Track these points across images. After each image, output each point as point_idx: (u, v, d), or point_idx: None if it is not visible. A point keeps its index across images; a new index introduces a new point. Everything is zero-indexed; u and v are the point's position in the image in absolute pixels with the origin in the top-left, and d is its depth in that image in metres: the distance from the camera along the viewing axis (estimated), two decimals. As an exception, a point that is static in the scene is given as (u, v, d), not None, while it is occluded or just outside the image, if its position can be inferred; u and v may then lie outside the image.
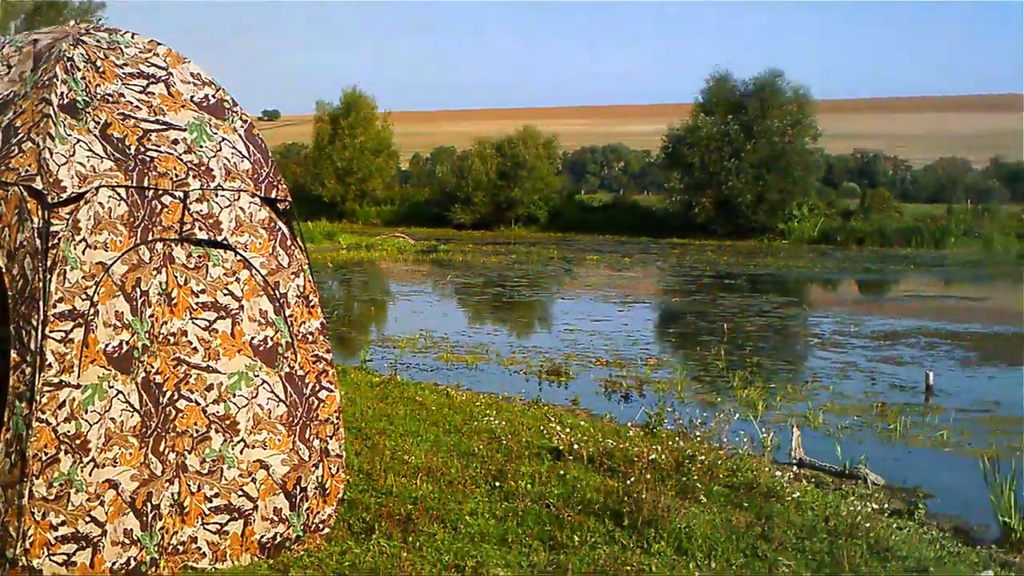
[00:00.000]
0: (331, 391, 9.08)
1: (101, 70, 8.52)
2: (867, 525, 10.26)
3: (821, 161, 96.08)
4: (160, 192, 8.28)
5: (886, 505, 13.02)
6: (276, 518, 8.77)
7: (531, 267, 51.35)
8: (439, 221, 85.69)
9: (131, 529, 8.13)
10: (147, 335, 8.16)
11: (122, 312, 8.03)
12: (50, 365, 7.70)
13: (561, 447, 12.53)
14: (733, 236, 72.80)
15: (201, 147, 8.56)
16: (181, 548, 8.39)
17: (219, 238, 8.46)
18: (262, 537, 8.72)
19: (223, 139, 8.73)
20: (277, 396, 8.72)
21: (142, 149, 8.35)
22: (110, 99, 8.44)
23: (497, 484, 10.83)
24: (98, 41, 8.72)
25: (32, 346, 7.73)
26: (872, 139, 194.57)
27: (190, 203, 8.34)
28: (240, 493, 8.57)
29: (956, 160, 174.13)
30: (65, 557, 7.89)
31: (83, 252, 7.87)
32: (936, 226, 73.41)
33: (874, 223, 73.51)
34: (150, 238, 8.19)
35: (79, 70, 8.40)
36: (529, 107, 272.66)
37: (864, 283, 48.56)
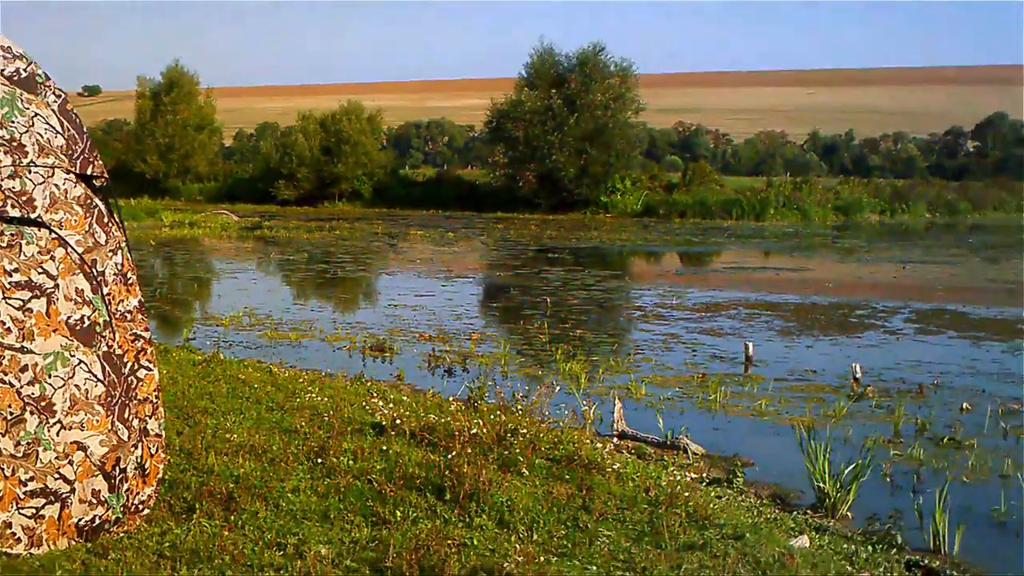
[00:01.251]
0: (150, 370, 8.95)
1: (-95, 45, 8.29)
2: (686, 494, 10.43)
3: (644, 135, 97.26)
4: (-31, 169, 8.08)
5: (705, 474, 13.28)
6: (94, 500, 8.62)
7: (356, 243, 51.23)
8: (263, 197, 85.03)
9: (-57, 514, 7.95)
10: (-42, 316, 7.97)
11: (-69, 293, 7.84)
12: None
13: (384, 422, 12.53)
14: (557, 210, 73.30)
15: (12, 122, 8.36)
16: (-6, 533, 8.22)
17: (33, 216, 8.28)
18: (80, 520, 8.57)
19: (36, 114, 8.52)
20: (95, 376, 8.57)
21: (-51, 125, 8.14)
22: (-85, 74, 8.21)
23: (319, 461, 10.79)
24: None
25: None
26: (694, 113, 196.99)
27: (2, 180, 8.14)
28: (57, 476, 8.40)
29: (775, 134, 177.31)
30: None
31: None
32: (756, 199, 74.81)
33: (696, 196, 74.61)
34: (-40, 217, 8.00)
35: None
36: (354, 82, 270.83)
37: (686, 255, 49.28)
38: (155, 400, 9.00)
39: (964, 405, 17.82)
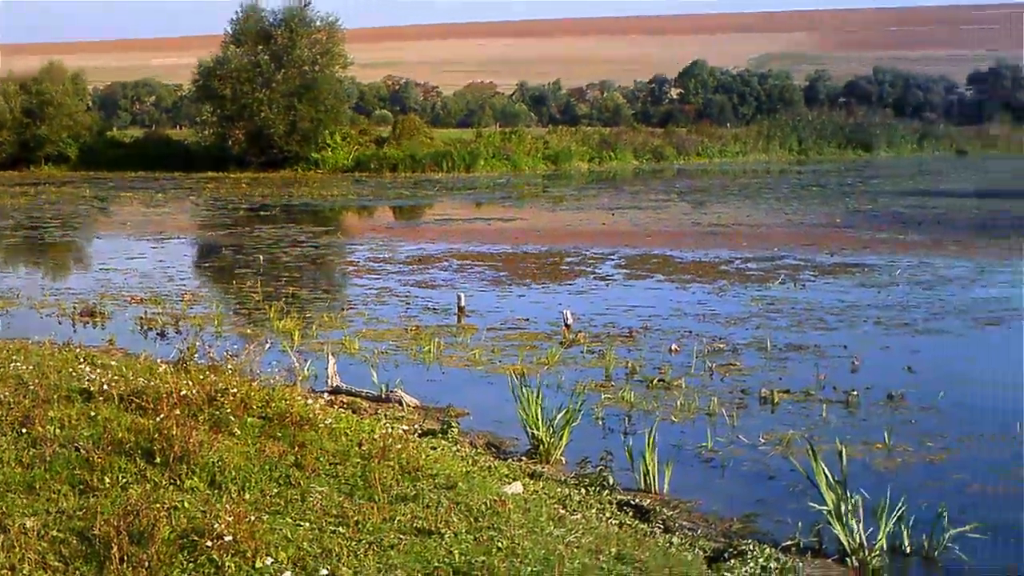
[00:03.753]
0: None
1: None
2: (399, 447, 10.44)
3: (353, 89, 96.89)
4: None
5: (420, 426, 13.35)
6: None
7: (63, 207, 49.82)
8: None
9: None
10: None
11: None
12: None
13: (92, 388, 12.20)
14: (268, 167, 72.54)
15: None
16: None
17: None
18: None
19: None
20: None
21: None
22: None
23: (24, 431, 10.43)
24: None
25: None
26: (404, 67, 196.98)
27: None
28: None
29: (484, 85, 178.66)
30: None
31: None
32: (466, 150, 75.22)
33: (406, 149, 74.62)
34: None
35: None
36: (55, 42, 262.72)
37: (398, 209, 49.33)
38: None
39: (672, 347, 18.30)
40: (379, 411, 14.05)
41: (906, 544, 9.91)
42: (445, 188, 59.84)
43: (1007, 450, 12.75)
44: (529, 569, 7.76)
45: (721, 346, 18.45)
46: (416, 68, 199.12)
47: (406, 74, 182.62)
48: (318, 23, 76.93)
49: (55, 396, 11.90)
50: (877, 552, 9.71)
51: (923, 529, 9.93)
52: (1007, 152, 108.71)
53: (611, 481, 11.36)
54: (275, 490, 9.03)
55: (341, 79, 79.98)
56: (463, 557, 7.87)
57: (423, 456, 10.50)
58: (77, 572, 7.36)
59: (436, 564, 7.73)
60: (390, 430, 11.42)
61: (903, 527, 9.93)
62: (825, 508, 9.92)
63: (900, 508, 9.91)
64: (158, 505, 8.16)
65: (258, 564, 7.41)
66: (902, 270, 26.92)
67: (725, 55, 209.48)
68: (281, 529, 8.05)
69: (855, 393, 15.09)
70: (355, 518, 8.42)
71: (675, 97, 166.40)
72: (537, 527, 8.89)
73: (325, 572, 7.47)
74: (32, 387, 12.29)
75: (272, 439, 10.37)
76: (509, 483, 10.56)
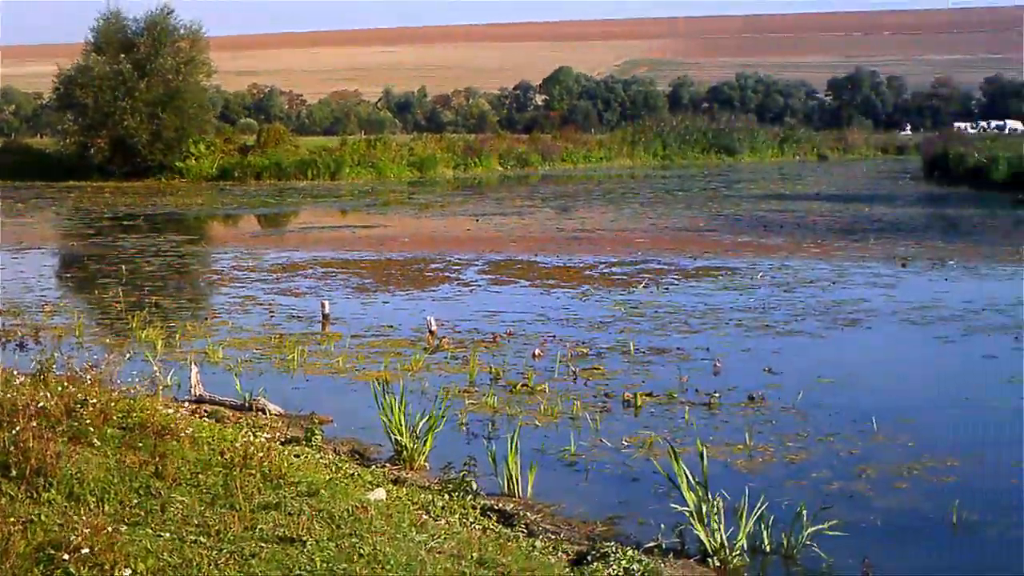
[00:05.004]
0: None
1: None
2: (261, 455, 10.39)
3: (217, 98, 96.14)
4: None
5: (283, 434, 13.30)
6: None
7: (-83, 218, 48.75)
8: None
9: None
10: None
11: None
12: None
13: (-57, 403, 11.99)
14: (131, 176, 71.58)
15: None
16: None
17: None
18: None
19: None
20: None
21: None
22: None
23: None
24: None
25: None
26: (268, 75, 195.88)
27: None
28: None
29: (349, 93, 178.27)
30: None
31: None
32: (331, 158, 74.93)
33: (271, 158, 74.13)
34: None
35: None
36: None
37: (263, 217, 49.03)
38: None
39: (536, 352, 18.39)
40: (242, 420, 13.96)
41: (766, 543, 10.07)
42: (310, 196, 59.60)
43: (863, 448, 13.00)
44: (391, 575, 7.78)
45: (584, 350, 18.59)
46: (281, 76, 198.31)
47: (270, 82, 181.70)
48: (181, 31, 76.13)
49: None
50: (738, 552, 9.86)
51: (783, 528, 10.09)
52: (865, 156, 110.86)
53: (474, 486, 11.40)
54: (135, 501, 8.94)
55: (205, 88, 79.37)
56: (325, 564, 7.87)
57: (286, 464, 10.47)
58: (-72, 590, 7.24)
59: (298, 572, 7.73)
60: (253, 438, 11.35)
61: (763, 527, 10.09)
62: (687, 509, 10.04)
63: (760, 508, 10.08)
64: (13, 519, 8.04)
65: (116, 576, 7.34)
66: (763, 273, 27.33)
67: (590, 62, 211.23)
68: (140, 540, 7.97)
69: (717, 395, 15.29)
70: (216, 527, 8.38)
71: (540, 103, 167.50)
72: (399, 533, 8.91)
73: (185, 583, 7.43)
74: None
75: (133, 449, 10.26)
76: (372, 490, 10.56)
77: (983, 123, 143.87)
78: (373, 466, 12.27)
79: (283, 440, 12.78)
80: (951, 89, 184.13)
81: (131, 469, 9.66)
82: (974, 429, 13.96)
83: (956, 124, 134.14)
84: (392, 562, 8.04)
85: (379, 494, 10.32)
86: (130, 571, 7.40)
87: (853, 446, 13.13)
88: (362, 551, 8.21)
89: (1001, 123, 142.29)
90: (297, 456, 11.65)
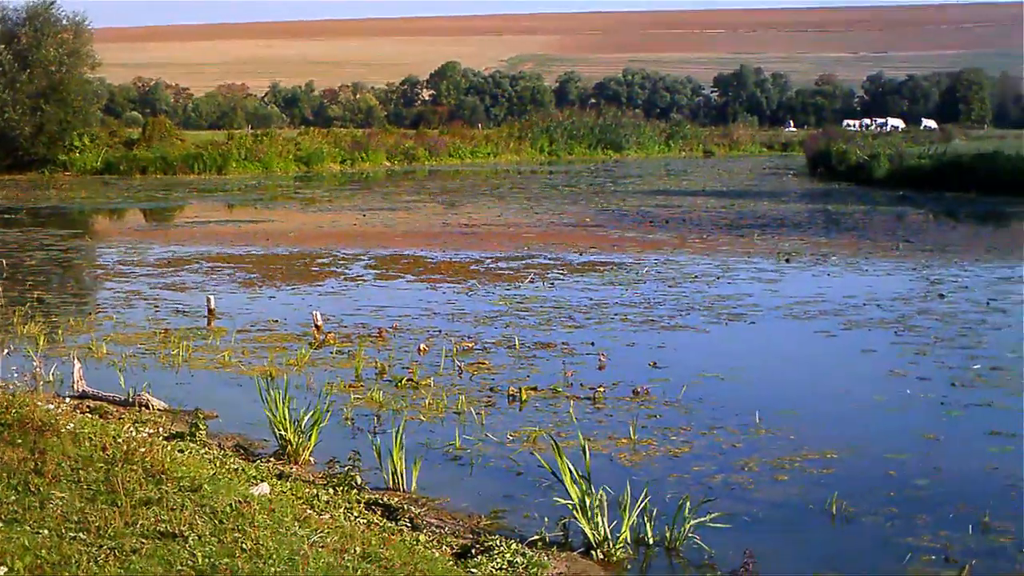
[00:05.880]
0: None
1: None
2: (142, 450, 10.32)
3: (102, 91, 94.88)
4: None
5: (167, 429, 13.21)
6: None
7: None
8: None
9: None
10: None
11: None
12: None
13: None
14: (13, 169, 70.43)
15: None
16: None
17: None
18: None
19: None
20: None
21: None
22: None
23: None
24: None
25: None
26: (154, 68, 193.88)
27: None
28: None
29: (236, 87, 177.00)
30: None
31: None
32: (217, 152, 74.33)
33: (157, 151, 73.34)
34: None
35: None
36: None
37: (148, 212, 48.47)
38: None
39: (421, 346, 18.40)
40: (126, 415, 13.85)
41: (649, 536, 10.18)
42: (196, 190, 59.03)
43: (746, 442, 13.17)
44: (273, 569, 7.77)
45: (470, 345, 18.63)
46: (167, 69, 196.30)
47: (156, 75, 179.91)
48: (64, 22, 74.90)
49: None
50: (621, 544, 9.96)
51: (666, 521, 10.20)
52: (750, 153, 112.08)
53: (359, 481, 11.43)
54: (13, 497, 8.84)
55: (90, 80, 78.14)
56: (207, 559, 7.84)
57: (169, 459, 10.39)
58: None
59: (179, 567, 7.69)
60: (135, 434, 11.28)
61: (646, 519, 10.20)
62: (570, 503, 10.12)
63: (643, 501, 10.19)
64: None
65: (-8, 574, 7.27)
66: (648, 268, 27.54)
67: (478, 57, 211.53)
68: (18, 538, 7.89)
69: (602, 389, 15.41)
70: (96, 523, 8.31)
71: (427, 98, 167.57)
72: (282, 528, 8.89)
73: (64, 580, 7.36)
74: None
75: (11, 446, 10.14)
76: (256, 484, 10.53)
77: (867, 121, 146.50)
78: (258, 461, 12.24)
79: (167, 435, 12.68)
80: (834, 87, 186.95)
81: (9, 466, 9.55)
82: (853, 422, 14.19)
83: (846, 122, 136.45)
84: (274, 557, 8.03)
85: (263, 489, 10.30)
86: (6, 569, 7.33)
87: (736, 439, 13.28)
88: (244, 546, 8.19)
89: (883, 121, 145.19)
90: (181, 451, 11.56)
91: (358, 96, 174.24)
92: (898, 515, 10.82)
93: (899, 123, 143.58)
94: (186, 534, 8.25)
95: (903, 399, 15.18)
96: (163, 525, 8.39)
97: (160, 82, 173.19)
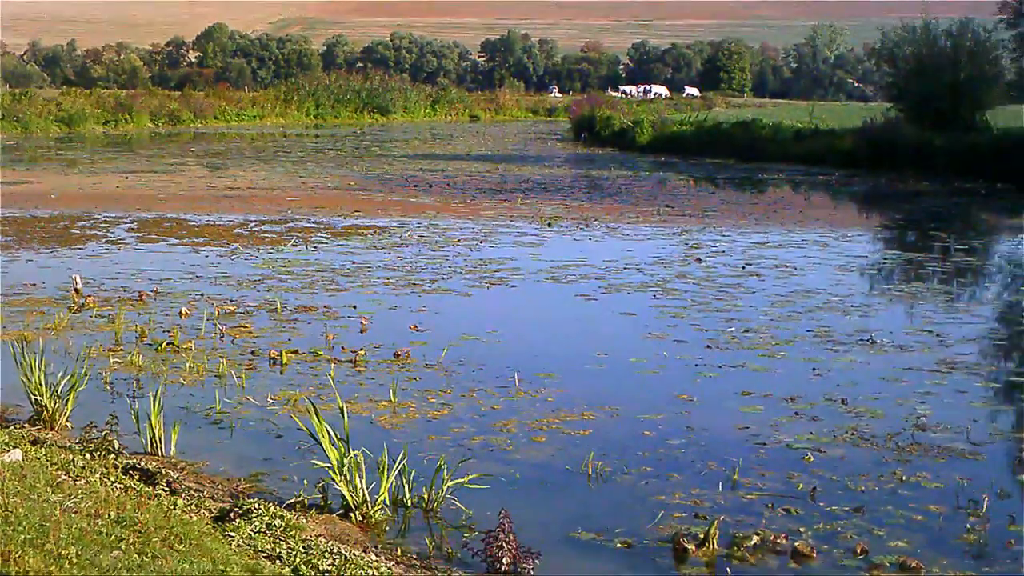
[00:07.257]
0: None
1: None
2: None
3: None
4: None
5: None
6: None
7: None
8: None
9: None
10: None
11: None
12: None
13: None
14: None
15: None
16: None
17: None
18: None
19: None
20: None
21: None
22: None
23: None
24: None
25: None
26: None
27: None
28: None
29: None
30: None
31: None
32: (-28, 112, 72.29)
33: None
34: None
35: None
36: None
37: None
38: None
39: (183, 310, 18.24)
40: None
41: (407, 497, 10.31)
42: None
43: (505, 404, 13.39)
44: (23, 536, 7.68)
45: (232, 308, 18.53)
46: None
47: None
48: None
49: None
50: (379, 506, 10.06)
51: (425, 482, 10.34)
52: (516, 118, 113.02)
53: (116, 445, 11.30)
54: None
55: None
56: (-48, 528, 7.73)
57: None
58: None
59: (-77, 537, 7.57)
60: None
61: (405, 481, 10.33)
62: (328, 466, 10.19)
63: (401, 462, 10.31)
64: None
65: None
66: (411, 232, 27.68)
67: (245, 19, 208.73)
68: None
69: (363, 352, 15.48)
70: None
71: (193, 60, 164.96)
72: (34, 494, 8.79)
73: None
74: None
75: None
76: (8, 451, 10.36)
77: (632, 87, 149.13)
78: (11, 427, 12.01)
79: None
80: (600, 54, 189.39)
81: None
82: (610, 383, 14.51)
83: (621, 88, 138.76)
84: (24, 523, 7.93)
85: (15, 455, 10.14)
86: None
87: (495, 401, 13.49)
88: (-7, 513, 8.09)
89: (647, 88, 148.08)
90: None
91: (122, 57, 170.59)
92: (652, 474, 11.12)
93: (663, 90, 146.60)
94: (-67, 502, 8.13)
95: (660, 361, 15.55)
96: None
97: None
